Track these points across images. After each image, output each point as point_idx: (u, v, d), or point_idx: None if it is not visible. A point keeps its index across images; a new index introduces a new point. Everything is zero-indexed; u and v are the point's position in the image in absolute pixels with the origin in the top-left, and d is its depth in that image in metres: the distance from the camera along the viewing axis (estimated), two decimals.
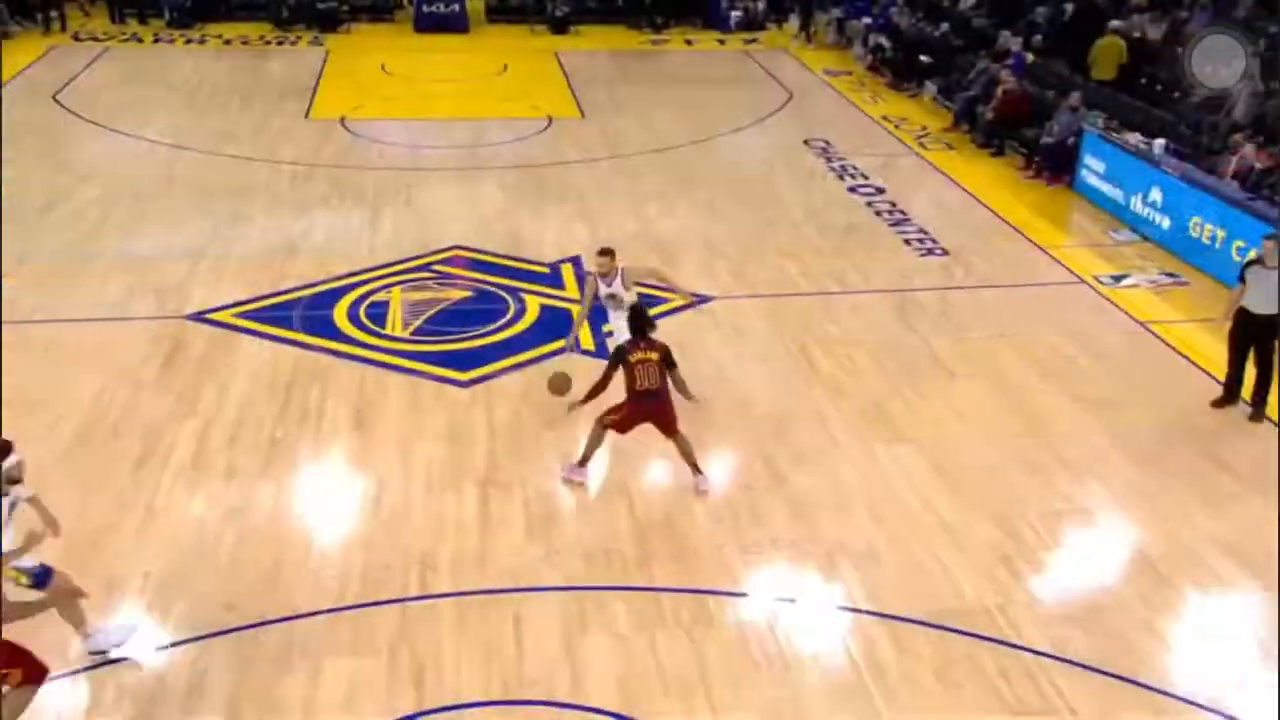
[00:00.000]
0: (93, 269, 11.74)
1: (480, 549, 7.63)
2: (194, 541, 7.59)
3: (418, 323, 10.92)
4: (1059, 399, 9.76)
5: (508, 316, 11.13)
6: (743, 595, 7.28)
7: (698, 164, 15.96)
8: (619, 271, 9.16)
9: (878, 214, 14.18)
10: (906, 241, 13.28)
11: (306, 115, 17.61)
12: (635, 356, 7.99)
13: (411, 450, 8.77)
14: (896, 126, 17.98)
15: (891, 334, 10.95)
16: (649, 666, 6.60)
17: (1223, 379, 9.63)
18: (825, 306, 11.53)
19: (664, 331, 10.82)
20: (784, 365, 10.30)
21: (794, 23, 24.77)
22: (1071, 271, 12.53)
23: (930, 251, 13.01)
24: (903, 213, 14.19)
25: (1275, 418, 9.36)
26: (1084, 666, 6.68)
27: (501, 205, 14.12)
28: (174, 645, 6.66)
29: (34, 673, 5.65)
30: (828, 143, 16.97)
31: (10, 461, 6.14)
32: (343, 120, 17.31)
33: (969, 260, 12.79)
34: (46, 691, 6.20)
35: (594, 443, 8.24)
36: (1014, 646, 6.86)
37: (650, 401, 7.99)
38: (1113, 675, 6.63)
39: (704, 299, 11.59)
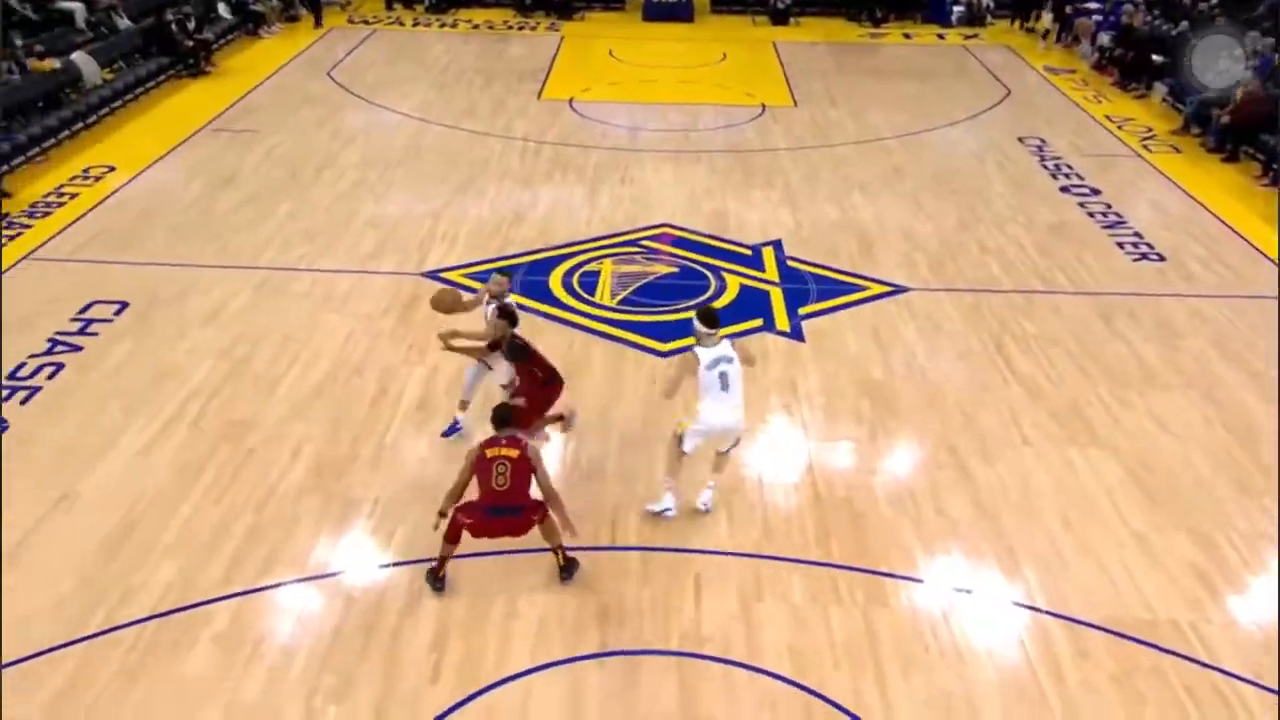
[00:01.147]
0: (349, 226, 12.57)
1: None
2: (415, 476, 8.04)
3: (625, 293, 11.12)
4: (1275, 417, 8.93)
5: (708, 293, 11.16)
6: (919, 581, 7.08)
7: (906, 157, 15.46)
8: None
9: (1090, 215, 13.32)
10: (1119, 245, 12.43)
11: (539, 96, 18.15)
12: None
13: (610, 411, 8.96)
14: (1120, 127, 16.81)
15: (1095, 337, 10.30)
16: (821, 639, 6.54)
17: None
18: (1027, 305, 10.96)
19: (858, 319, 10.68)
20: (978, 361, 9.88)
21: (1045, 20, 23.14)
22: None
23: (1145, 256, 12.13)
24: (1118, 215, 13.28)
25: None
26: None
27: (710, 187, 14.14)
28: (396, 565, 7.11)
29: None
30: (1043, 141, 16.06)
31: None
32: (571, 101, 17.75)
33: (1188, 268, 11.85)
34: (292, 591, 6.79)
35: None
36: (1204, 665, 6.38)
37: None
38: None
39: (901, 290, 11.26)
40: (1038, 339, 10.24)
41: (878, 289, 11.31)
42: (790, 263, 11.93)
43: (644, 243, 12.41)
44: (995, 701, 6.13)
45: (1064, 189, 14.22)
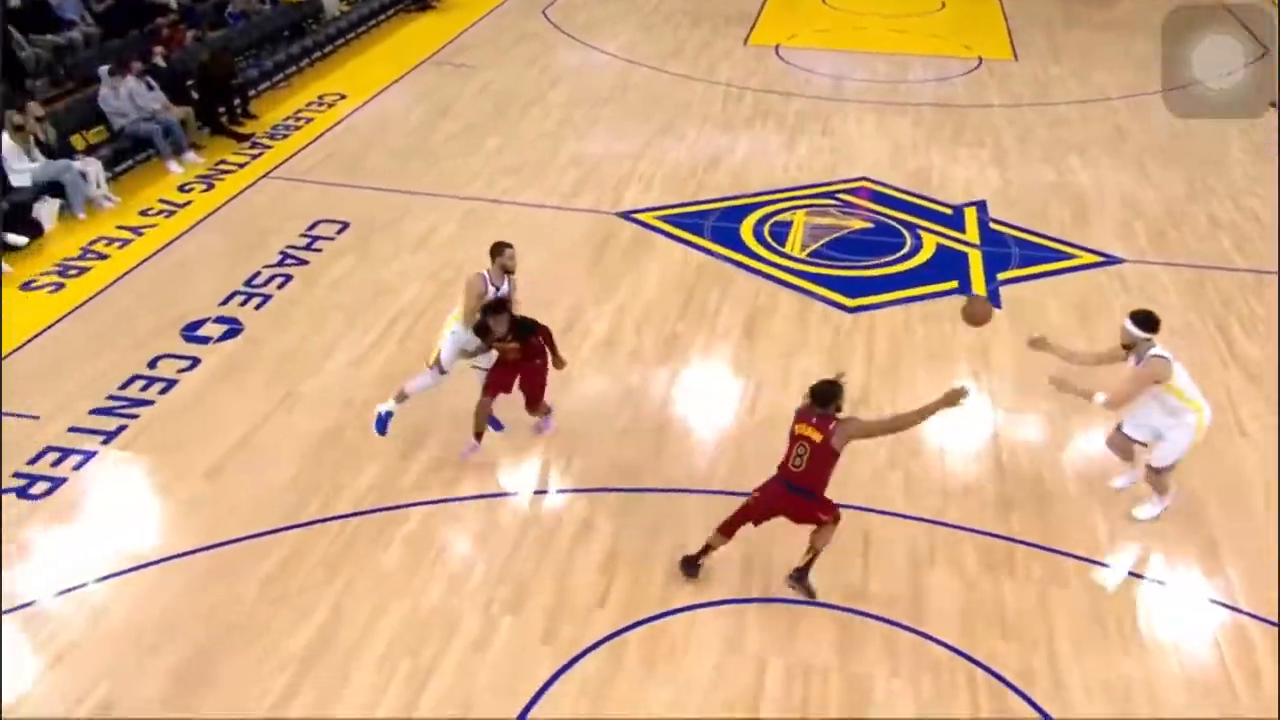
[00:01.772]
0: (552, 163, 12.86)
1: (843, 464, 7.59)
2: (597, 409, 8.25)
3: (816, 245, 10.91)
4: None
5: (903, 251, 10.80)
6: (1104, 565, 6.72)
7: (1134, 119, 14.35)
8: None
9: None
10: None
11: (745, 41, 17.87)
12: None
13: (792, 363, 8.87)
14: None
15: None
16: (992, 611, 6.33)
17: None
18: (1258, 286, 10.04)
19: (1062, 289, 10.07)
20: (1196, 341, 9.15)
21: None
22: None
23: None
24: None
25: None
26: None
27: (915, 142, 13.59)
28: (573, 492, 7.35)
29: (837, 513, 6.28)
30: None
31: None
32: (777, 48, 17.39)
33: None
34: (477, 506, 7.15)
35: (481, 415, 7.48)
36: None
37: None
38: None
39: (1113, 260, 10.53)
40: (1266, 321, 9.37)
41: (1088, 258, 10.63)
42: (993, 225, 11.37)
43: (841, 195, 12.10)
44: (1180, 695, 5.78)
45: None
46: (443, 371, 7.57)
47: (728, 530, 6.38)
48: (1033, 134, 13.85)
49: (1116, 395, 6.61)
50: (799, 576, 6.43)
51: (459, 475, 7.43)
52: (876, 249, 10.87)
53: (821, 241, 11.01)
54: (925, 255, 10.76)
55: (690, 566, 6.49)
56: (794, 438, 6.14)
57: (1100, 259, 10.60)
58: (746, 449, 7.78)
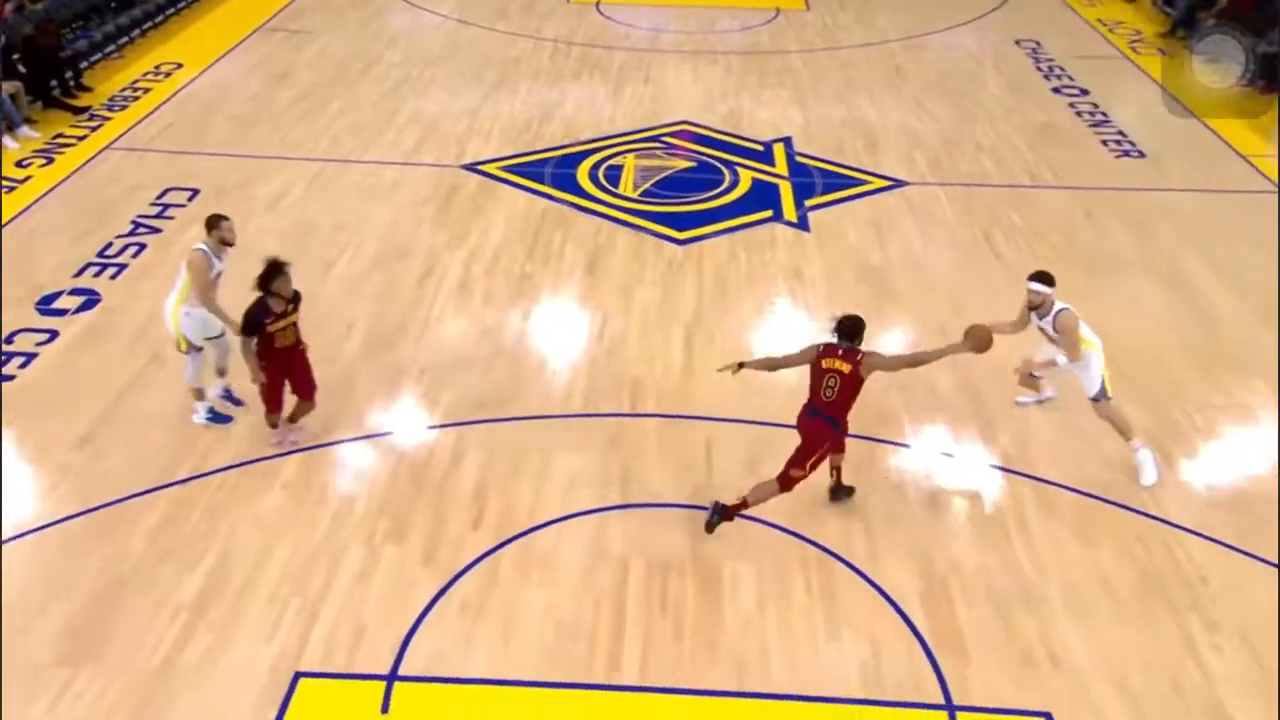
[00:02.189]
0: (393, 122, 12.30)
1: (682, 381, 7.76)
2: (457, 348, 8.08)
3: (646, 185, 10.91)
4: (1235, 302, 8.79)
5: (723, 186, 10.94)
6: (906, 446, 7.12)
7: (910, 60, 14.86)
8: None
9: (1078, 114, 12.86)
10: (1104, 143, 12.03)
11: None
12: None
13: (632, 294, 8.91)
14: (1111, 30, 16.04)
15: (1075, 228, 10.08)
16: (817, 492, 6.60)
17: None
18: (1015, 198, 10.70)
19: (860, 211, 10.46)
20: (968, 249, 9.70)
21: None
22: (1270, 180, 11.04)
23: (1127, 154, 11.75)
24: (1104, 115, 12.81)
25: None
26: (1221, 544, 6.22)
27: (726, 87, 13.69)
28: (441, 427, 7.21)
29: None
30: (1038, 44, 15.37)
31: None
32: (598, 4, 17.05)
33: (1165, 164, 11.49)
34: (351, 448, 6.91)
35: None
36: (1156, 519, 6.44)
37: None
38: (1247, 554, 6.14)
39: (900, 184, 10.99)
40: (1023, 230, 10.02)
41: (879, 183, 11.05)
42: (799, 158, 11.64)
43: (665, 139, 12.10)
44: (967, 548, 6.22)
45: (1055, 89, 13.69)
46: (199, 349, 6.90)
47: (794, 474, 6.07)
48: (826, 76, 14.17)
49: (1071, 352, 6.68)
50: (836, 493, 6.45)
51: (333, 423, 7.16)
52: (700, 185, 10.96)
53: (651, 181, 11.01)
54: (743, 189, 10.93)
55: (718, 516, 6.07)
56: (823, 371, 5.95)
57: (889, 183, 11.04)
58: (600, 372, 7.81)
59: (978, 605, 5.79)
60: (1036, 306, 6.73)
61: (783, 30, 16.09)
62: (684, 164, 11.48)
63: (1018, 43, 15.45)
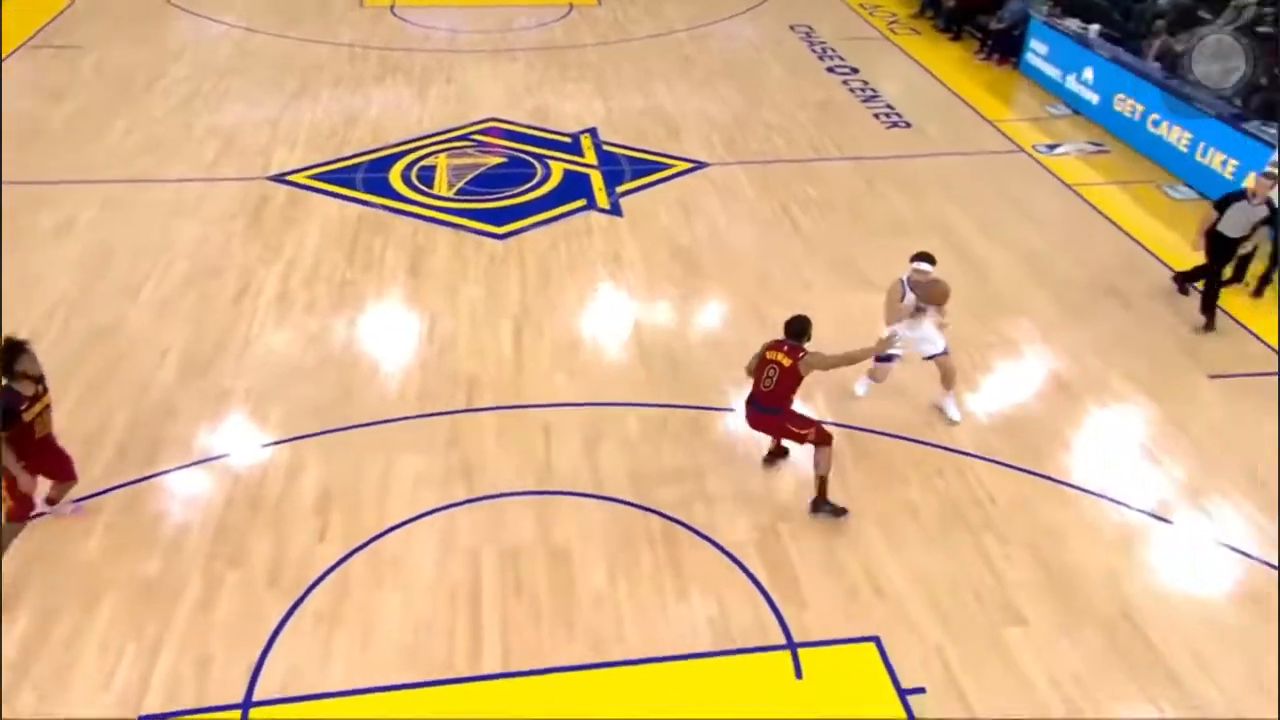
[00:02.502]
0: (190, 136, 11.40)
1: (515, 373, 7.67)
2: (282, 362, 7.63)
3: (460, 184, 10.66)
4: (999, 251, 9.59)
5: (536, 179, 10.84)
6: (731, 410, 7.33)
7: (696, 49, 15.21)
8: None
9: (851, 91, 13.60)
10: (876, 116, 12.79)
11: (361, 3, 16.71)
12: None
13: (457, 292, 8.70)
14: (871, 14, 17.02)
15: (860, 196, 10.68)
16: (654, 465, 6.72)
17: (1143, 242, 9.42)
18: (805, 172, 11.20)
19: (667, 194, 10.65)
20: (769, 223, 10.09)
21: None
22: (1014, 142, 12.11)
23: (895, 124, 12.55)
24: (873, 91, 13.61)
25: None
26: (1003, 464, 6.79)
27: (529, 83, 13.55)
28: (275, 444, 6.79)
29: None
30: (810, 28, 16.11)
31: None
32: (392, 7, 16.44)
33: (928, 132, 12.35)
34: (178, 476, 6.40)
35: None
36: (951, 450, 6.95)
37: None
38: (1024, 470, 6.74)
39: (702, 165, 11.27)
40: (817, 202, 10.51)
41: (682, 166, 11.28)
42: (606, 147, 11.70)
43: (474, 136, 11.85)
44: (799, 504, 6.47)
45: (829, 69, 14.40)
46: None
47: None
48: (622, 68, 14.29)
49: (943, 316, 6.97)
50: (817, 506, 6.27)
51: (156, 454, 6.60)
52: (514, 180, 10.81)
53: (465, 179, 10.77)
54: (555, 181, 10.87)
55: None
56: (764, 362, 6.12)
57: (692, 165, 11.29)
58: (432, 372, 7.59)
59: (809, 550, 6.06)
60: (918, 285, 6.90)
61: (577, 25, 16.08)
62: (496, 160, 11.29)
63: (792, 28, 16.14)
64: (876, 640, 5.47)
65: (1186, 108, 11.18)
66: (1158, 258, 9.49)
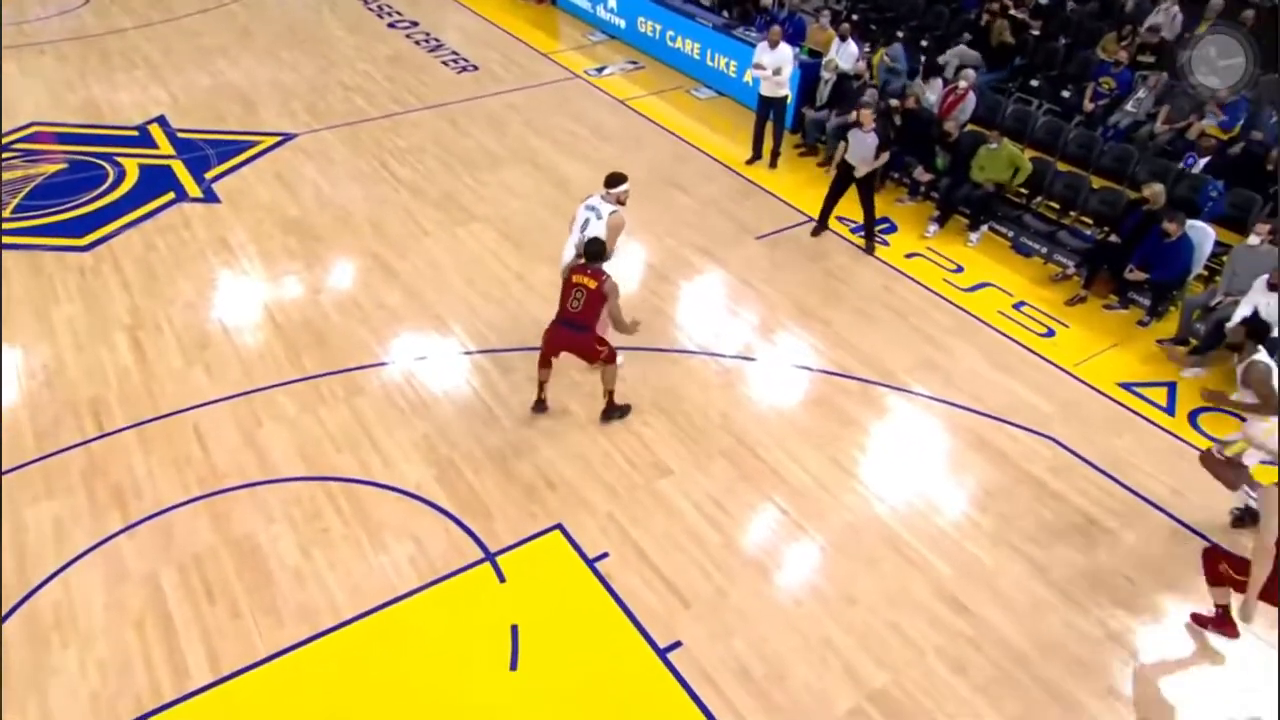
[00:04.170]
0: None
1: (145, 383, 6.62)
2: None
3: (17, 200, 8.67)
4: (577, 165, 10.00)
5: (110, 180, 9.15)
6: (383, 364, 7.02)
7: (253, 18, 13.57)
8: None
9: (416, 43, 13.08)
10: (444, 63, 12.47)
11: None
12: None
13: (49, 315, 7.21)
14: None
15: (449, 139, 10.45)
16: (320, 436, 6.27)
17: (684, 137, 10.29)
18: (393, 126, 10.67)
19: (262, 170, 9.58)
20: (370, 179, 9.54)
21: None
22: (568, 69, 12.54)
23: (464, 69, 12.35)
24: (437, 40, 13.21)
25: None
26: (623, 348, 7.28)
27: (68, 78, 11.22)
28: None
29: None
30: None
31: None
32: None
33: (494, 71, 12.33)
34: None
35: None
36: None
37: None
38: (643, 349, 7.27)
39: (290, 136, 10.26)
40: (409, 150, 10.11)
41: (270, 140, 10.18)
42: (181, 134, 10.15)
43: (18, 146, 9.62)
44: (459, 429, 6.45)
45: (390, 25, 13.68)
46: None
47: (543, 363, 6.35)
48: (176, 48, 12.35)
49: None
50: (607, 414, 6.45)
51: None
52: (83, 185, 9.02)
53: (21, 195, 8.77)
54: (132, 178, 9.25)
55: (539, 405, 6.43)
56: (571, 285, 6.09)
57: (279, 138, 10.23)
58: (45, 408, 6.27)
59: (484, 468, 6.08)
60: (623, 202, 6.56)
61: (107, 9, 13.49)
62: (54, 168, 9.30)
63: None
64: (560, 526, 5.69)
65: (690, 24, 12.32)
66: (697, 148, 10.54)
